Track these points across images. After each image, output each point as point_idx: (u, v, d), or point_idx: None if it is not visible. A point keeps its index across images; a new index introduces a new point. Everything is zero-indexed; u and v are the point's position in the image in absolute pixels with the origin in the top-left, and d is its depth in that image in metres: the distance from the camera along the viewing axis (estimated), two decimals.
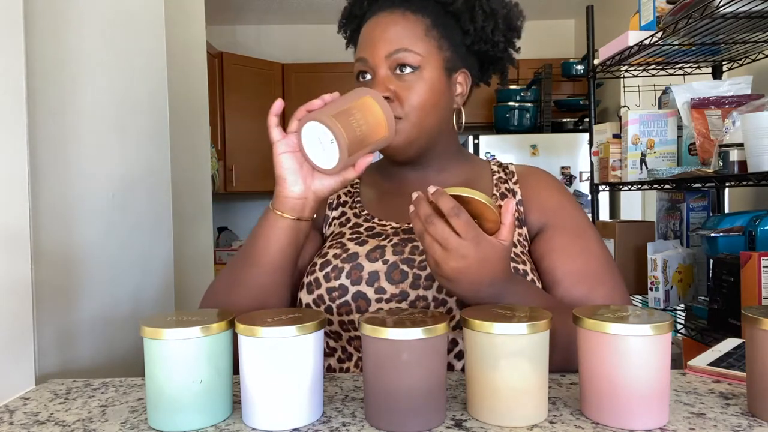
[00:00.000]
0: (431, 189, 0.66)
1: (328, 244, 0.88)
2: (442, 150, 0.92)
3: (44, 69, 1.01)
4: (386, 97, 0.83)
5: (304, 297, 0.83)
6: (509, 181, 0.93)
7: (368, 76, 0.87)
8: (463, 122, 0.92)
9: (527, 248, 0.87)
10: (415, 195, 0.68)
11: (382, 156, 1.00)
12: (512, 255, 0.81)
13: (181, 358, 0.58)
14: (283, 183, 0.76)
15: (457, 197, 0.66)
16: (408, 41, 0.84)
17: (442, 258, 0.66)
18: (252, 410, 0.58)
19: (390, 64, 0.85)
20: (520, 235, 0.87)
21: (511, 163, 0.97)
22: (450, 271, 0.66)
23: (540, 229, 0.88)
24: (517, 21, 0.93)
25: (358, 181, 0.99)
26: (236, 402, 0.64)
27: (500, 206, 0.68)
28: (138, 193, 1.27)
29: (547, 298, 0.77)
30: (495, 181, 0.93)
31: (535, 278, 0.82)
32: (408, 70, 0.84)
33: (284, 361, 0.57)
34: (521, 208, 0.89)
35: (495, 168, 0.96)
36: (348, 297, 0.80)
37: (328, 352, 0.85)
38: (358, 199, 0.95)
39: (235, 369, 0.62)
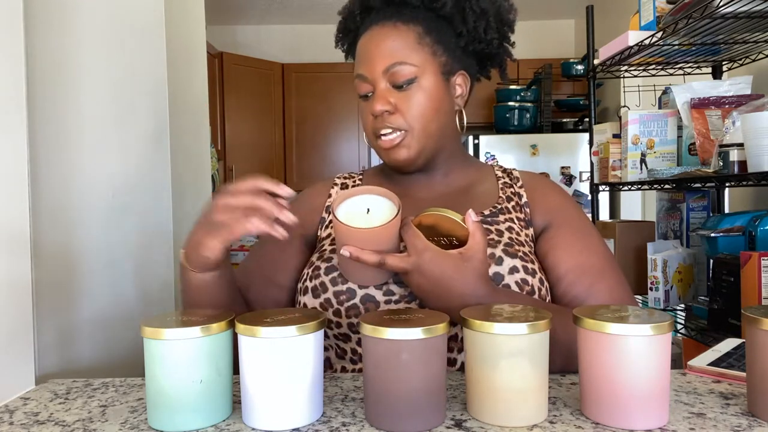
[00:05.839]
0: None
1: (329, 247, 0.87)
2: (448, 154, 0.93)
3: (44, 69, 1.01)
4: (387, 111, 0.85)
5: (309, 301, 0.82)
6: (514, 185, 0.94)
7: (369, 94, 0.88)
8: (465, 122, 0.93)
9: (533, 248, 0.88)
10: (346, 253, 0.71)
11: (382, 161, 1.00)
12: (521, 254, 0.82)
13: (181, 358, 0.58)
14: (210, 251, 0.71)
15: (426, 224, 0.73)
16: (402, 53, 0.85)
17: (407, 282, 0.73)
18: (252, 410, 0.58)
19: (388, 78, 0.86)
20: (527, 236, 0.88)
21: (514, 169, 0.98)
22: (417, 291, 0.73)
23: (544, 228, 0.89)
24: (509, 15, 0.93)
25: (359, 183, 0.99)
26: (236, 402, 0.64)
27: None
28: (138, 193, 1.27)
29: (537, 305, 0.77)
30: (501, 185, 0.94)
31: (543, 277, 0.83)
32: (405, 82, 0.85)
33: (284, 361, 0.57)
34: (527, 210, 0.91)
35: (499, 173, 0.97)
36: (356, 300, 0.80)
37: (340, 354, 0.85)
38: None
39: (235, 369, 0.62)
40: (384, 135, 0.86)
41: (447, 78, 0.89)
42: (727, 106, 1.55)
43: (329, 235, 0.91)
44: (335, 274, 0.82)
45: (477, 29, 0.89)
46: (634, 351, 0.56)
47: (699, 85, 1.66)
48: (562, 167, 3.44)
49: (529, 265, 0.81)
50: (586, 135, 2.45)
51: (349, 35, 0.96)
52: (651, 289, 1.63)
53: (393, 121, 0.85)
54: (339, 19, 0.97)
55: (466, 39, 0.90)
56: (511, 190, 0.93)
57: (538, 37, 4.29)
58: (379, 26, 0.87)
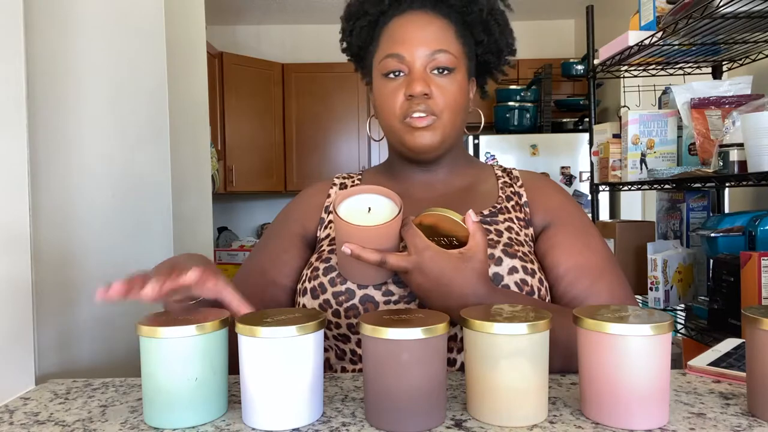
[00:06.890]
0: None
1: (327, 248, 0.86)
2: (455, 152, 0.94)
3: (44, 69, 1.01)
4: (425, 94, 0.85)
5: (308, 302, 0.82)
6: (514, 185, 0.94)
7: (401, 73, 0.87)
8: (482, 123, 0.98)
9: (533, 248, 0.88)
10: (347, 250, 0.71)
11: (386, 159, 0.99)
12: (521, 254, 0.82)
13: (176, 356, 0.58)
14: None
15: (426, 224, 0.74)
16: (446, 42, 0.87)
17: (407, 281, 0.73)
18: (252, 410, 0.58)
19: (429, 63, 0.86)
20: (526, 236, 0.88)
21: (514, 168, 0.98)
22: (417, 290, 0.73)
23: (544, 228, 0.89)
24: (510, 39, 0.97)
25: (357, 183, 0.99)
26: (236, 402, 0.64)
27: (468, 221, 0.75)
28: (138, 193, 1.27)
29: (537, 305, 0.77)
30: (500, 185, 0.94)
31: (543, 277, 0.83)
32: (445, 71, 0.86)
33: (284, 361, 0.57)
34: (527, 209, 0.91)
35: (499, 173, 0.97)
36: (355, 300, 0.80)
37: (339, 354, 0.85)
38: None
39: (234, 369, 0.62)
40: (416, 115, 0.85)
41: (469, 78, 0.92)
42: (727, 106, 1.55)
43: (328, 235, 0.91)
44: (334, 274, 0.82)
45: (498, 43, 0.93)
46: (634, 351, 0.56)
47: (699, 85, 1.66)
48: (562, 167, 3.44)
49: (529, 266, 0.81)
50: (586, 135, 2.45)
51: (363, 18, 0.93)
52: (651, 289, 1.63)
53: (429, 104, 0.86)
54: (344, 11, 0.96)
55: (483, 47, 0.93)
56: (511, 189, 0.93)
57: (538, 37, 4.29)
58: (420, 12, 0.88)
